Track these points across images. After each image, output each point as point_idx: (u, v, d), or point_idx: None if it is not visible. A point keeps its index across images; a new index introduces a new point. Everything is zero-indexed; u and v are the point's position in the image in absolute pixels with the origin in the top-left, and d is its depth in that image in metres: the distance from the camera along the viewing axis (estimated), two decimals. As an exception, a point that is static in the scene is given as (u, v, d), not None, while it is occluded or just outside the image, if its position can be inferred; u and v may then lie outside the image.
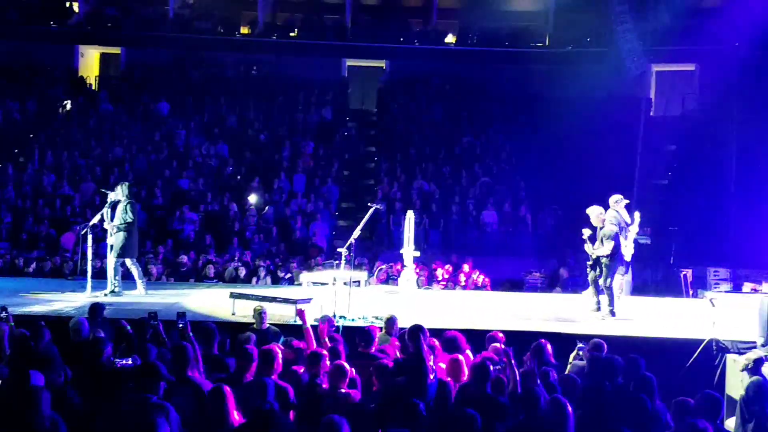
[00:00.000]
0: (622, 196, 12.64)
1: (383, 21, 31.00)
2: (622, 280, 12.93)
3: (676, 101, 27.74)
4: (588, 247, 12.37)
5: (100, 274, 13.80)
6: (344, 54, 29.98)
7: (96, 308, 9.77)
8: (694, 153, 23.68)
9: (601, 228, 12.28)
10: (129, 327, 8.78)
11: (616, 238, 12.11)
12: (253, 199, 21.78)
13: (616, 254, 12.11)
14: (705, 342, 10.16)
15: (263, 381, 6.86)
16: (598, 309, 12.36)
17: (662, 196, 23.08)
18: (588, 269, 12.62)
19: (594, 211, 12.47)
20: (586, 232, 12.35)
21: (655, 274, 19.02)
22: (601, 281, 12.23)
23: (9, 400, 6.27)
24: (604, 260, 12.13)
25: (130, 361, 7.67)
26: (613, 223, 12.27)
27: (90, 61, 30.41)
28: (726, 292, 15.31)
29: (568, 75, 25.45)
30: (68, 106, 26.97)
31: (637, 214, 12.72)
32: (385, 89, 29.20)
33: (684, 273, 15.58)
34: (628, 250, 12.60)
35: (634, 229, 12.71)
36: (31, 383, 6.35)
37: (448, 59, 29.37)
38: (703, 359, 10.09)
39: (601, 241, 12.18)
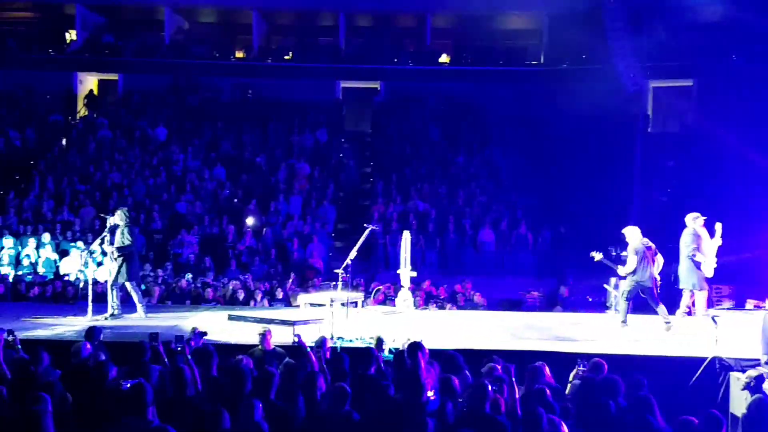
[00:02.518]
0: (699, 214, 12.68)
1: (377, 42, 31.15)
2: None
3: (674, 117, 27.77)
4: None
5: (100, 298, 13.81)
6: (338, 76, 30.12)
7: (93, 331, 9.71)
8: (693, 169, 23.66)
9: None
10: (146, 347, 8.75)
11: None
12: (250, 221, 21.76)
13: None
14: (708, 360, 10.04)
15: (251, 401, 6.80)
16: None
17: (662, 212, 23.00)
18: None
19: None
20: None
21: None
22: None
23: (12, 425, 6.28)
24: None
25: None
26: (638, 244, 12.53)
27: (88, 88, 30.50)
28: (728, 309, 15.23)
29: (564, 93, 25.45)
30: (63, 141, 27.00)
31: (718, 225, 12.70)
32: (380, 110, 29.29)
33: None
34: (709, 266, 12.59)
35: (716, 243, 12.77)
36: (36, 406, 6.32)
37: (442, 79, 29.47)
38: (706, 377, 9.96)
39: None
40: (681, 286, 13.28)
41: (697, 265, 12.75)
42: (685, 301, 13.20)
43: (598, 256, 13.03)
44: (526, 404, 7.38)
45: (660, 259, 12.85)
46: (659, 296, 12.74)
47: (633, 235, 12.72)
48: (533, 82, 28.45)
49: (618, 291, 13.27)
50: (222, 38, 32.34)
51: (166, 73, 29.44)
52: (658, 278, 12.79)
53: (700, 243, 12.75)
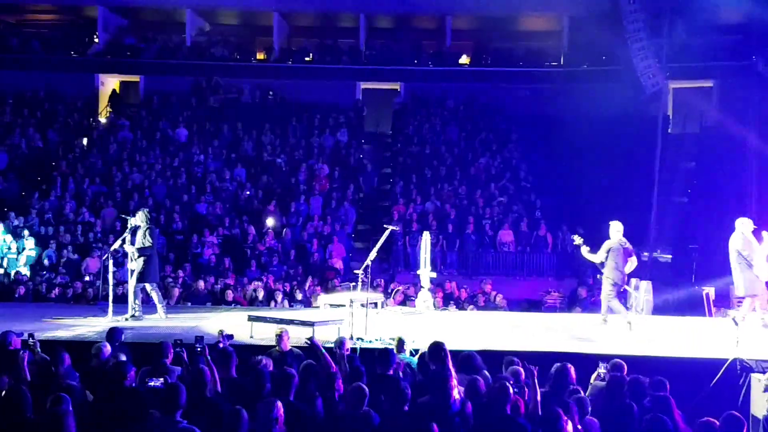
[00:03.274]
0: (747, 219, 12.55)
1: (397, 43, 31.23)
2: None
3: (694, 118, 27.61)
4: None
5: (121, 299, 13.89)
6: (359, 77, 30.22)
7: (114, 332, 9.80)
8: (713, 170, 23.53)
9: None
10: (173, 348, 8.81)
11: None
12: (270, 222, 21.84)
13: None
14: (729, 362, 9.96)
15: (270, 401, 6.83)
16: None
17: (682, 213, 22.89)
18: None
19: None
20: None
21: (676, 293, 18.82)
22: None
23: (34, 425, 6.36)
24: None
25: (160, 382, 7.69)
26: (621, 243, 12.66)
27: (110, 89, 30.72)
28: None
29: (583, 94, 25.42)
30: (85, 143, 27.19)
31: (765, 234, 12.56)
32: (400, 111, 29.33)
33: (706, 291, 15.32)
34: (764, 271, 12.42)
35: (765, 250, 12.50)
36: (58, 407, 6.39)
37: (462, 80, 29.50)
38: (727, 379, 9.85)
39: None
40: (738, 293, 13.01)
41: (751, 266, 12.48)
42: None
43: (578, 240, 12.98)
44: (548, 405, 7.35)
45: (634, 261, 12.84)
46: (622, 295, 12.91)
47: (614, 230, 12.72)
48: (553, 84, 28.39)
49: (603, 295, 13.10)
50: (243, 40, 32.51)
51: (187, 75, 29.62)
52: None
53: (751, 248, 12.54)
